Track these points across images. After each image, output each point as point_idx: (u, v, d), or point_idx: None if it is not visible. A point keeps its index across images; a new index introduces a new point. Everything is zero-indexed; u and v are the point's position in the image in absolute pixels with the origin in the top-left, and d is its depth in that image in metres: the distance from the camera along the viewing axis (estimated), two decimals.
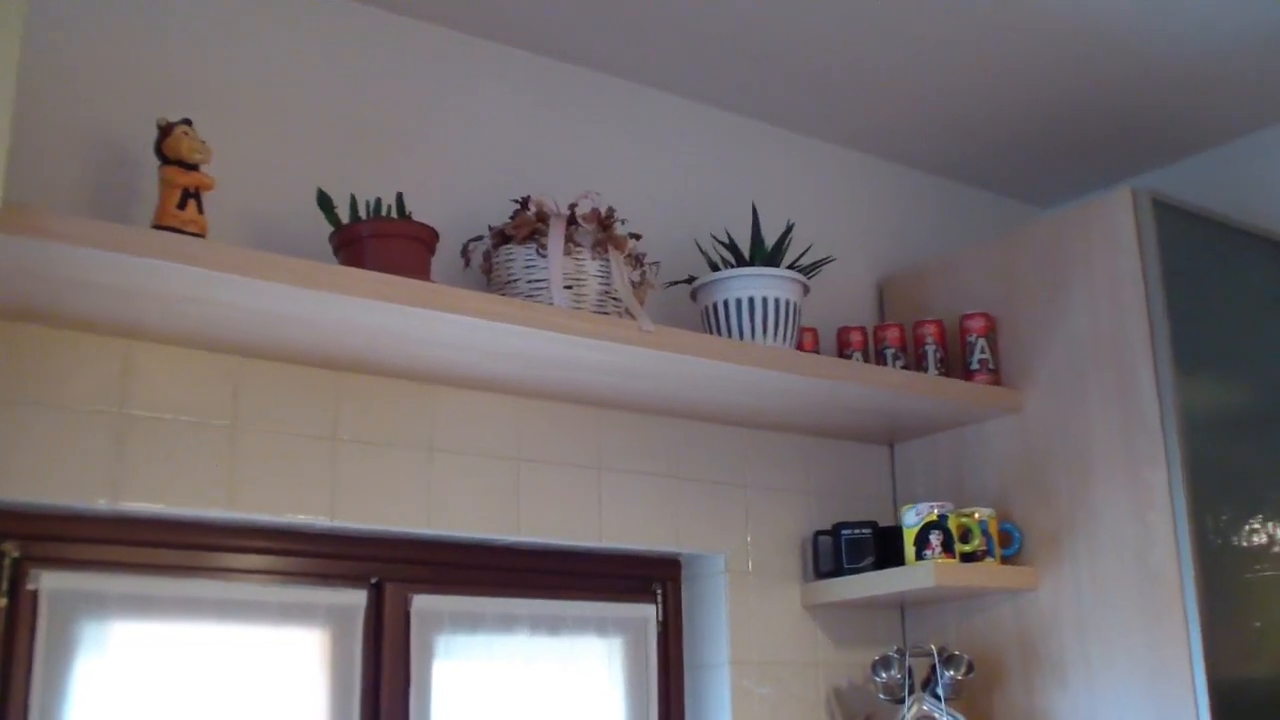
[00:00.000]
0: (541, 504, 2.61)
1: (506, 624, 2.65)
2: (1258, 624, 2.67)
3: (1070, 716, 2.68)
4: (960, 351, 2.95)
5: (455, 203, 2.64)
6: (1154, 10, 2.76)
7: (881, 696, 2.78)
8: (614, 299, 2.46)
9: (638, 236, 2.57)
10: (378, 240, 2.25)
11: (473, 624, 2.61)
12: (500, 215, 2.57)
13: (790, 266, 2.75)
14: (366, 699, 2.44)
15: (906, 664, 2.77)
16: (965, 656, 2.75)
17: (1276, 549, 2.74)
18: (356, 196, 2.37)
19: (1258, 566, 2.71)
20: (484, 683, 2.59)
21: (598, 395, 2.65)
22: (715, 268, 2.76)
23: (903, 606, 3.03)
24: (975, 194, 3.62)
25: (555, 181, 2.73)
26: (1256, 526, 2.73)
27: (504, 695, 2.60)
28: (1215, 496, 2.66)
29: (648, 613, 2.84)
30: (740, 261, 2.75)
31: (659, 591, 2.87)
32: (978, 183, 3.60)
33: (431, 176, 2.65)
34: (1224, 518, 2.67)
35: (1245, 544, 2.69)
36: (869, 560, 2.83)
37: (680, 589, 2.89)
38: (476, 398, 2.57)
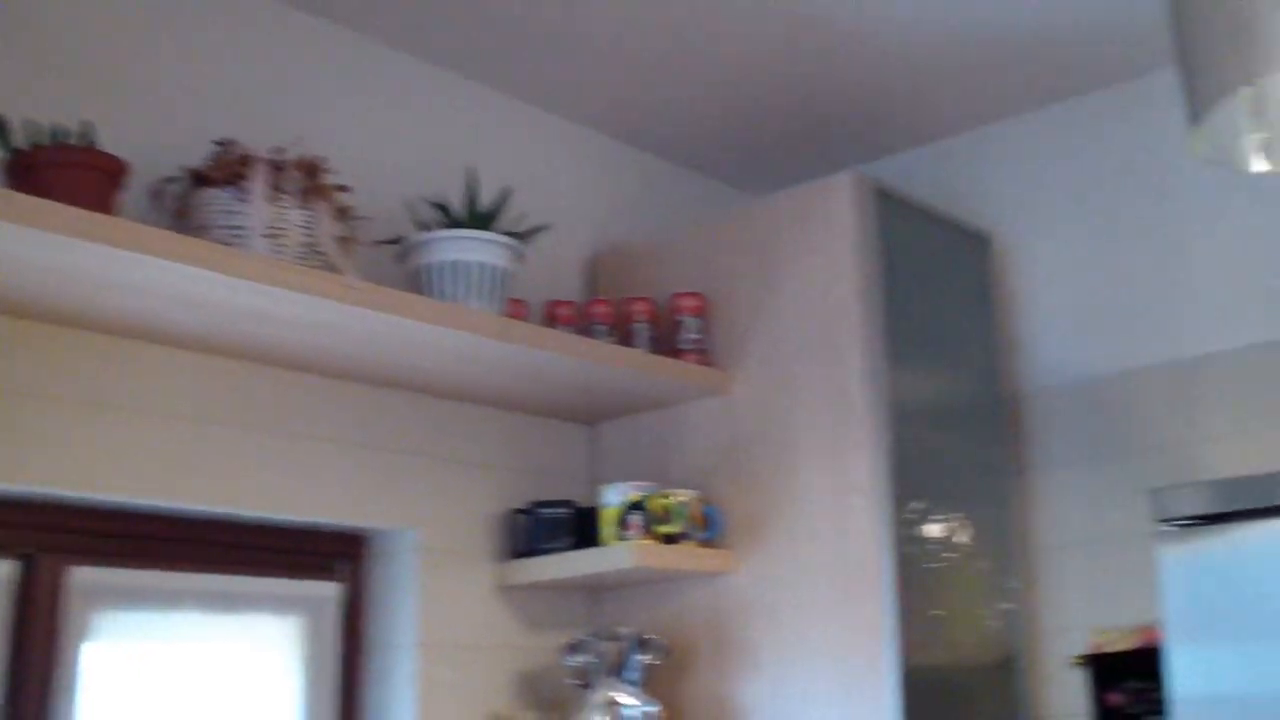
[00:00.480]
0: (221, 470, 2.40)
1: (175, 600, 2.45)
2: (940, 612, 2.73)
3: (762, 702, 2.67)
4: (671, 332, 2.89)
5: (149, 140, 2.39)
6: (877, 3, 2.77)
7: (572, 681, 2.70)
8: (317, 253, 2.28)
9: (346, 189, 2.39)
10: (56, 169, 2.01)
11: (138, 600, 2.41)
12: (199, 157, 2.33)
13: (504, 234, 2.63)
14: (9, 683, 2.19)
15: (599, 648, 2.70)
16: (659, 641, 2.70)
17: (957, 538, 2.81)
18: (35, 121, 2.10)
19: (943, 556, 2.76)
20: (148, 664, 2.38)
21: (291, 356, 2.46)
22: (426, 230, 2.61)
23: (598, 589, 2.95)
24: (694, 178, 3.59)
25: (262, 127, 2.52)
26: (943, 516, 2.78)
27: (170, 677, 2.40)
28: (912, 485, 2.69)
29: (330, 591, 2.67)
30: (451, 224, 2.61)
31: (343, 568, 2.70)
32: (697, 167, 3.56)
33: (123, 109, 2.39)
34: (917, 506, 2.71)
35: (932, 533, 2.74)
36: (567, 540, 2.75)
37: (366, 566, 2.73)
38: (157, 351, 2.34)
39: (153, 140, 2.39)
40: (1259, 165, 1.67)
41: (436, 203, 2.66)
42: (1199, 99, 1.55)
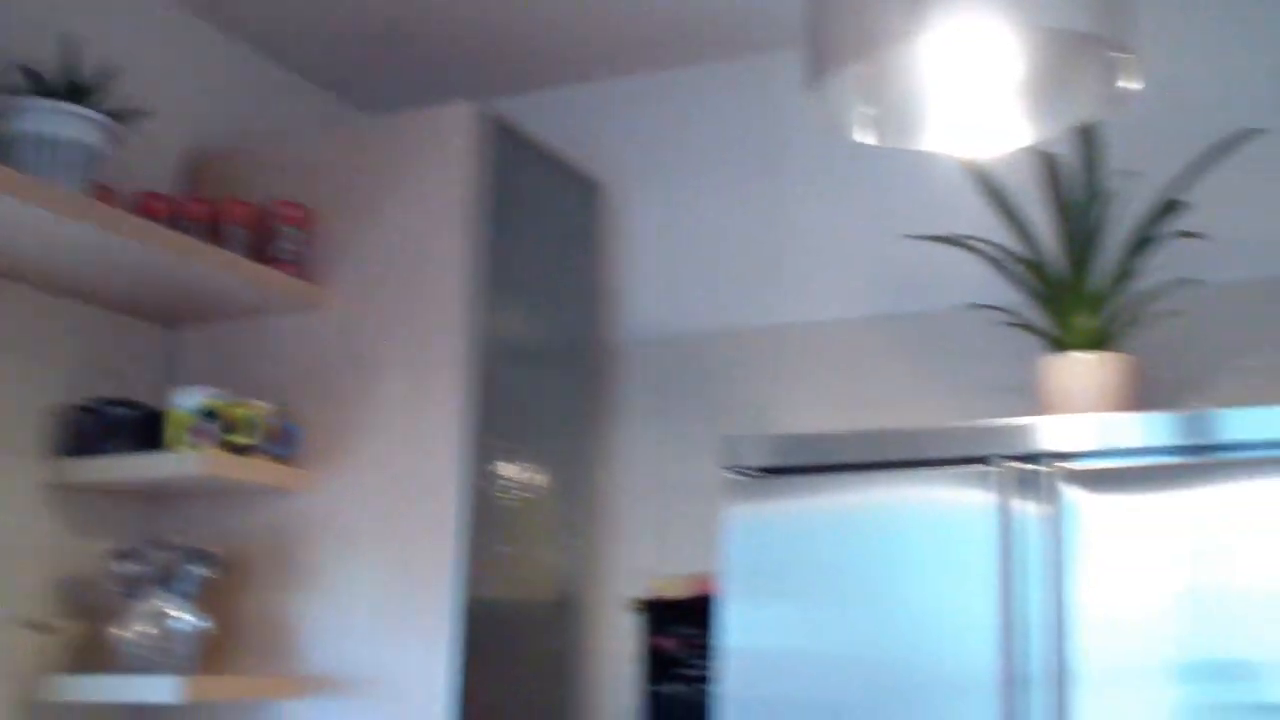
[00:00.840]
0: None
1: None
2: (508, 549, 2.76)
3: (321, 624, 2.64)
4: (268, 240, 2.79)
5: None
6: None
7: (118, 590, 2.58)
8: None
9: None
10: None
11: None
12: None
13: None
14: None
15: (150, 556, 2.59)
16: (216, 554, 2.61)
17: (534, 478, 2.85)
18: None
19: (517, 494, 2.80)
20: None
21: None
22: (13, 96, 2.42)
23: (160, 497, 2.82)
24: (311, 89, 3.44)
25: None
26: (522, 455, 2.82)
27: None
28: (495, 421, 2.72)
29: None
30: (43, 93, 2.43)
31: None
32: (315, 78, 3.43)
33: None
34: (497, 443, 2.73)
35: (509, 471, 2.78)
36: (130, 442, 2.61)
37: None
38: None
39: None
40: (867, 138, 1.77)
41: (28, 68, 2.46)
42: (817, 68, 1.63)
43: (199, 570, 2.58)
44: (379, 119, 3.16)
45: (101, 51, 2.70)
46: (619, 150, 3.37)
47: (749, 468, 2.17)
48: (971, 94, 1.78)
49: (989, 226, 2.61)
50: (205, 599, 2.60)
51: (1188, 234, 2.46)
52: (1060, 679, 1.94)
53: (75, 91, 2.45)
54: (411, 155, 2.79)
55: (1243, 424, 1.96)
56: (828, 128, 1.76)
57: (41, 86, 2.44)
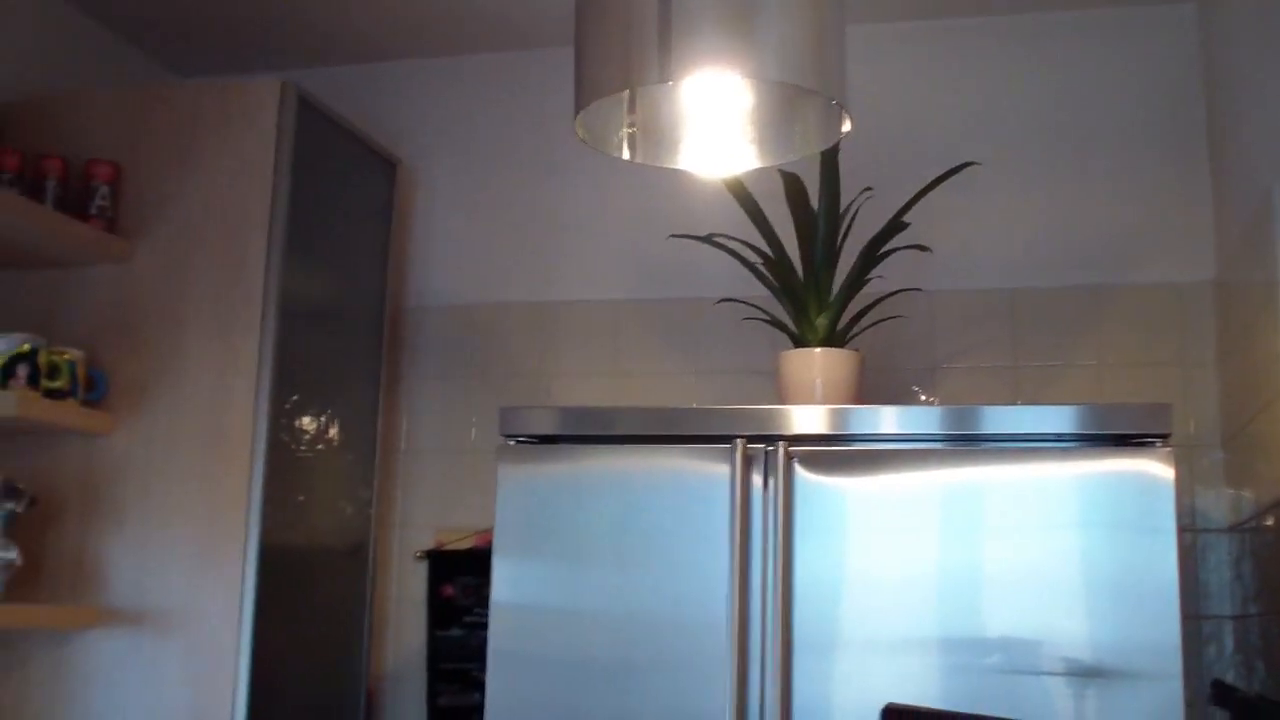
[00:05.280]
0: None
1: None
2: (302, 498, 2.98)
3: (124, 561, 2.81)
4: (81, 195, 2.94)
5: None
6: None
7: None
8: None
9: None
10: None
11: None
12: None
13: None
14: None
15: None
16: (25, 489, 2.76)
17: (327, 433, 3.07)
18: None
19: (312, 446, 3.02)
20: None
21: None
22: None
23: None
24: (119, 42, 3.56)
25: None
26: (317, 411, 3.05)
27: None
28: (292, 378, 2.94)
29: None
30: None
31: None
32: (124, 33, 3.54)
33: None
34: (294, 398, 2.95)
35: (305, 425, 3.00)
36: None
37: None
38: None
39: None
40: (625, 155, 2.03)
41: None
42: (584, 90, 1.86)
43: (8, 505, 2.73)
44: (189, 82, 3.25)
45: None
46: (419, 127, 3.64)
47: (523, 435, 2.41)
48: (714, 124, 2.06)
49: (744, 232, 2.92)
50: (14, 533, 2.74)
51: (918, 247, 2.80)
52: (784, 639, 2.18)
53: None
54: (219, 121, 2.96)
55: (947, 419, 2.24)
56: (592, 146, 2.00)
57: None
